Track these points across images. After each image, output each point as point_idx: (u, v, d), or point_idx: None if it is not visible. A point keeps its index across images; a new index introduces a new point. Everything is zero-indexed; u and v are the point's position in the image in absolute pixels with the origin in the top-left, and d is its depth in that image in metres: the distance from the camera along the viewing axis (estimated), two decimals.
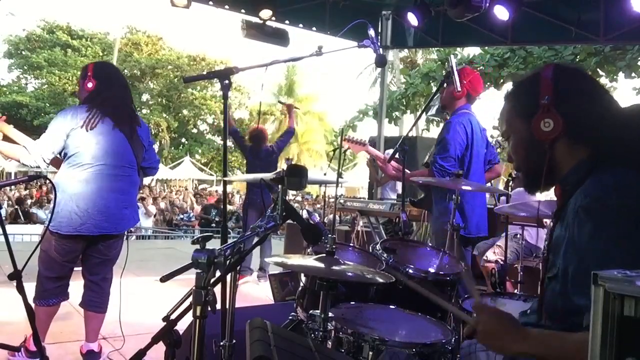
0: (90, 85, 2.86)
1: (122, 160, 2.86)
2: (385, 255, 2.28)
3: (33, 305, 2.74)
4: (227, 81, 1.88)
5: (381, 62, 2.54)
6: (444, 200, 3.17)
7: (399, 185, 5.00)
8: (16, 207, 12.91)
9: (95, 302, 2.92)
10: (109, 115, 2.82)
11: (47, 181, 2.63)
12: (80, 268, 2.97)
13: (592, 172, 1.21)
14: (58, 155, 2.80)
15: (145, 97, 29.68)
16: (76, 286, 2.97)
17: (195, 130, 31.85)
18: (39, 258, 2.79)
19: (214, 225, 13.41)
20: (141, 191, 11.47)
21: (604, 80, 9.64)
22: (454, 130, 3.08)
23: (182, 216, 14.98)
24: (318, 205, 16.26)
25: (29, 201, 14.17)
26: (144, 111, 28.57)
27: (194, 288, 1.19)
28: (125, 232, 3.01)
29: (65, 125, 2.73)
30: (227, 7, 5.77)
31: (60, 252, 2.78)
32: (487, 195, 3.34)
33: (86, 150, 2.75)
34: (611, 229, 1.11)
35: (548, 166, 1.28)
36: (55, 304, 2.85)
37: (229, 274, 1.58)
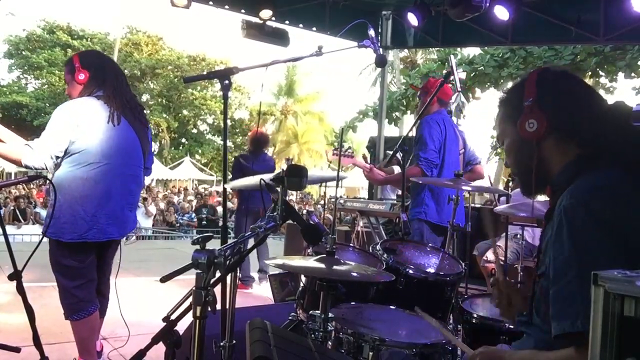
0: (82, 76, 2.57)
1: (131, 159, 2.65)
2: (385, 255, 2.28)
3: (70, 322, 2.57)
4: (227, 81, 1.87)
5: (381, 62, 2.54)
6: (419, 192, 3.39)
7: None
8: (14, 205, 12.92)
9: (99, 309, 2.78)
10: (124, 109, 2.61)
11: (47, 181, 2.56)
12: None
13: (580, 173, 1.23)
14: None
15: (145, 97, 29.65)
16: None
17: (195, 131, 31.84)
18: (56, 272, 2.60)
19: (205, 223, 13.95)
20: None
21: (603, 81, 9.65)
22: (429, 127, 3.35)
23: (183, 217, 15.06)
24: (319, 206, 16.30)
25: (30, 201, 14.15)
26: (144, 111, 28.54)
27: (194, 288, 1.19)
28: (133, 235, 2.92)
29: (69, 119, 2.46)
30: (227, 7, 5.77)
31: (77, 260, 2.58)
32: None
33: (94, 147, 2.49)
34: (586, 235, 1.13)
35: (537, 166, 1.31)
36: (94, 310, 2.62)
37: (229, 275, 1.57)
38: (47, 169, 2.48)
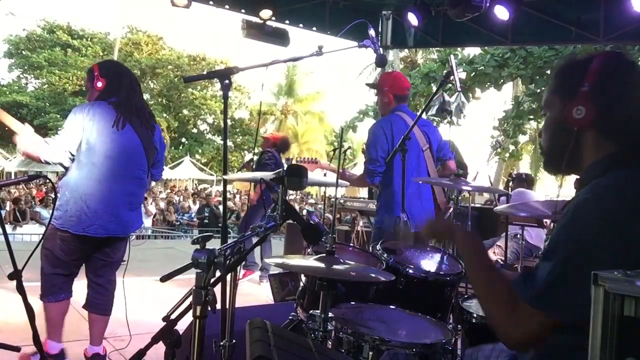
0: (100, 84, 2.79)
1: (133, 162, 2.81)
2: (385, 255, 2.28)
3: (42, 303, 2.74)
4: (227, 81, 1.88)
5: (381, 62, 2.55)
6: (377, 201, 3.39)
7: None
8: (14, 207, 12.92)
9: (100, 304, 2.88)
10: (131, 115, 2.78)
11: (47, 181, 2.60)
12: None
13: (607, 170, 1.20)
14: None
15: (145, 97, 29.53)
16: (79, 286, 2.95)
17: (195, 130, 31.82)
18: (43, 256, 2.74)
19: (206, 221, 14.09)
20: None
21: None
22: (374, 135, 3.31)
23: (183, 217, 15.10)
24: (319, 205, 16.32)
25: (32, 202, 14.15)
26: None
27: (194, 288, 1.19)
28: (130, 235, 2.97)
29: (82, 120, 2.66)
30: (227, 7, 5.77)
31: (65, 252, 2.73)
32: (434, 188, 3.39)
33: (98, 148, 2.68)
34: (587, 228, 1.12)
35: (570, 152, 1.27)
36: (64, 299, 2.79)
37: (229, 274, 1.58)
38: (62, 164, 2.71)
